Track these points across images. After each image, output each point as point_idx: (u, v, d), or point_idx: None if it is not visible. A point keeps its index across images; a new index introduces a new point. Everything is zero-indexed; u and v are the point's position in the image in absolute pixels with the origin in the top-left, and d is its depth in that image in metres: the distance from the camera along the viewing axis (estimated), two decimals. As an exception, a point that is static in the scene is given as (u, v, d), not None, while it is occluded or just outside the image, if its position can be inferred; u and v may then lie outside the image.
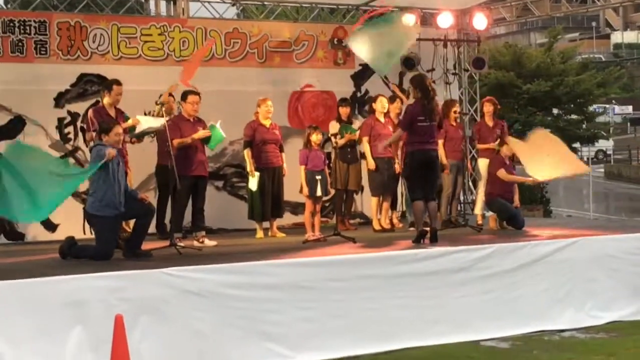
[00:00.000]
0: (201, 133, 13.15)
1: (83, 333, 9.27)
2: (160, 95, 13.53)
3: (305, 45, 17.23)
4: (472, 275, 11.56)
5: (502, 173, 14.64)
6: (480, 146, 15.45)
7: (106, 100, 13.15)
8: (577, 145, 39.19)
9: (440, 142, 14.44)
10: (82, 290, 9.43)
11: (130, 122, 12.80)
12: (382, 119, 14.90)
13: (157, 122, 12.98)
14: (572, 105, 34.99)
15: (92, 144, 12.58)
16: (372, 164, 14.69)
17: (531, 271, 11.95)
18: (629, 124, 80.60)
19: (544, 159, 14.01)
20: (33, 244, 14.43)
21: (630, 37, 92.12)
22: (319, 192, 13.64)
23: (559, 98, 33.28)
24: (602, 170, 59.34)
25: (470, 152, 17.31)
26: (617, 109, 76.42)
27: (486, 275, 11.65)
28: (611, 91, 39.61)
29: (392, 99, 15.31)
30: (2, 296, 9.12)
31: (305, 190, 13.60)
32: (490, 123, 15.46)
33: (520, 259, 11.94)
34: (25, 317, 9.12)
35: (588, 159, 44.60)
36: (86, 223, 12.88)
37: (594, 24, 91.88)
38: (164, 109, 13.08)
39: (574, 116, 35.96)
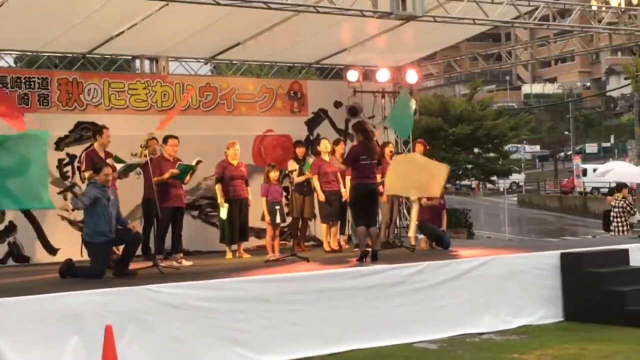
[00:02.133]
0: (173, 171, 13.15)
1: (79, 341, 9.21)
2: (147, 141, 13.50)
3: (266, 97, 17.25)
4: (406, 288, 11.58)
5: (425, 202, 14.73)
6: None
7: (97, 144, 13.10)
8: (494, 178, 39.53)
9: (379, 176, 14.52)
10: (78, 304, 9.38)
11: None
12: (326, 158, 14.93)
13: (138, 160, 13.12)
14: (490, 145, 35.24)
15: (87, 181, 12.54)
16: (322, 197, 14.72)
17: (455, 284, 12.00)
18: (537, 160, 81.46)
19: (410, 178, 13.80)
20: (37, 266, 14.28)
21: (537, 88, 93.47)
22: (278, 220, 13.67)
23: (479, 139, 33.53)
24: (516, 199, 59.88)
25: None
26: (528, 148, 77.32)
27: (418, 288, 11.68)
28: (522, 133, 40.01)
29: (336, 142, 15.41)
30: (10, 310, 9.05)
31: (267, 218, 13.63)
32: None
33: (447, 274, 11.98)
34: (29, 328, 9.05)
35: (504, 189, 45.02)
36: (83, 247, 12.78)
37: (507, 77, 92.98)
38: (147, 150, 13.07)
39: (491, 154, 36.22)
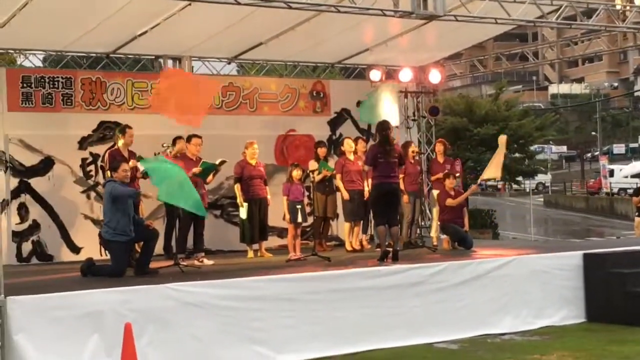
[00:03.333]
0: (195, 170, 13.17)
1: (99, 339, 9.26)
2: (173, 140, 13.55)
3: (289, 96, 17.28)
4: (427, 288, 11.54)
5: (449, 201, 14.71)
6: (432, 178, 15.60)
7: (121, 142, 13.13)
8: (520, 178, 39.33)
9: (401, 176, 14.55)
10: (98, 303, 9.41)
11: (131, 163, 12.63)
12: (351, 157, 14.98)
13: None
14: (515, 146, 35.00)
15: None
16: (346, 195, 14.74)
17: (477, 284, 11.94)
18: (564, 160, 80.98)
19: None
20: (59, 264, 14.36)
21: (564, 88, 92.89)
22: (299, 219, 13.66)
23: (505, 139, 33.33)
24: (542, 199, 59.61)
25: (428, 184, 17.35)
26: (554, 148, 76.86)
27: (439, 288, 11.63)
28: (548, 133, 39.74)
29: (355, 140, 15.44)
30: (32, 308, 9.09)
31: (288, 217, 13.64)
32: (441, 160, 15.65)
33: (468, 274, 11.92)
34: (50, 326, 9.10)
35: (530, 190, 44.80)
36: (102, 247, 12.85)
37: (534, 77, 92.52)
38: (169, 150, 13.06)
39: (517, 154, 36.03)
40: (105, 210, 11.56)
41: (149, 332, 9.50)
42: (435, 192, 15.33)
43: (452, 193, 14.80)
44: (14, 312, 8.90)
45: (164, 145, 13.01)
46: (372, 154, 12.89)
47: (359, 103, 17.03)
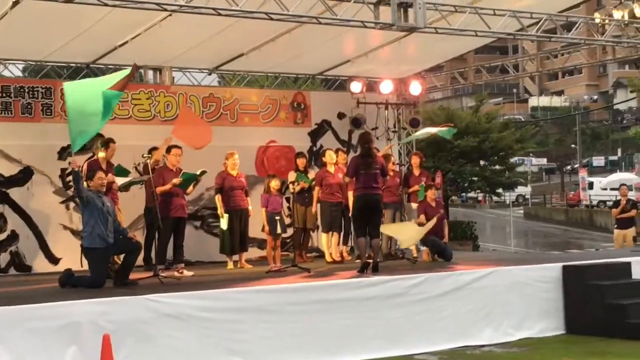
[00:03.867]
0: (175, 181, 13.14)
1: (77, 351, 9.20)
2: (150, 150, 13.50)
3: (269, 107, 17.29)
4: (407, 299, 11.53)
5: (422, 218, 14.54)
6: (409, 190, 15.62)
7: (101, 154, 13.08)
8: (500, 190, 39.49)
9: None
10: (77, 314, 9.35)
11: (109, 177, 12.55)
12: (331, 169, 14.97)
13: (140, 177, 13.36)
14: (495, 158, 35.22)
15: None
16: (313, 209, 14.83)
17: (456, 296, 11.94)
18: (544, 173, 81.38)
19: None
20: (38, 275, 14.29)
21: (544, 101, 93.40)
22: (278, 230, 13.66)
23: (485, 151, 33.51)
24: (522, 211, 59.81)
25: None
26: (534, 160, 77.19)
27: (419, 300, 11.63)
28: (528, 146, 39.92)
29: (336, 151, 15.44)
30: (11, 319, 9.04)
31: (267, 228, 13.64)
32: (417, 172, 15.64)
33: (447, 286, 11.92)
34: (28, 337, 9.04)
35: (510, 201, 44.97)
36: (83, 257, 12.76)
37: (514, 90, 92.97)
38: (150, 160, 13.01)
39: (497, 167, 36.20)
40: (83, 219, 11.49)
41: (128, 344, 9.44)
42: (413, 205, 15.34)
43: (433, 204, 14.81)
44: (-9, 323, 8.84)
45: (144, 155, 12.95)
46: (354, 166, 12.91)
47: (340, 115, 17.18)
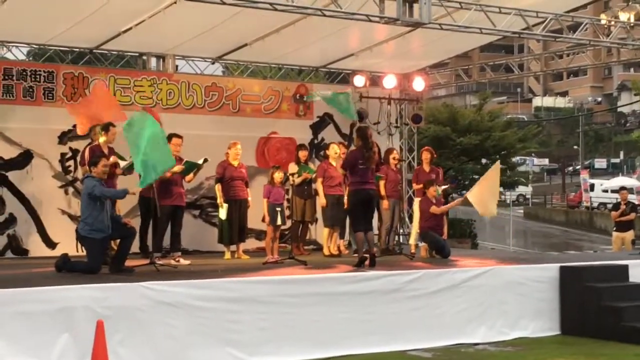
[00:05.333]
0: (176, 168, 13.12)
1: (70, 336, 9.23)
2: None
3: (272, 99, 17.27)
4: (403, 295, 11.54)
5: (434, 209, 14.66)
6: (415, 187, 15.60)
7: (102, 139, 13.06)
8: (501, 189, 39.41)
9: (382, 183, 14.60)
10: (72, 299, 9.38)
11: (111, 159, 12.58)
12: (334, 163, 14.94)
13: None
14: (497, 156, 35.13)
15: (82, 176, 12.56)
16: (323, 202, 14.71)
17: (452, 293, 11.95)
18: (545, 173, 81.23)
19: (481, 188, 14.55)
20: (35, 259, 14.28)
21: (548, 101, 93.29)
22: (279, 222, 13.68)
23: (487, 150, 33.44)
24: (522, 211, 59.74)
25: (408, 192, 17.37)
26: (536, 160, 77.11)
27: (415, 296, 11.63)
28: (530, 145, 39.89)
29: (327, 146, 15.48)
30: (5, 301, 9.06)
31: (267, 219, 13.64)
32: (427, 168, 15.56)
33: (444, 283, 11.93)
34: (22, 320, 9.07)
35: (510, 201, 44.95)
36: (78, 243, 12.78)
37: (518, 89, 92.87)
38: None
39: (499, 165, 36.10)
40: (83, 207, 11.48)
41: (122, 331, 9.46)
42: (416, 200, 15.32)
43: (434, 201, 14.81)
44: (-15, 305, 8.85)
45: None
46: (352, 159, 12.89)
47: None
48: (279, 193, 13.78)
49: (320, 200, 14.75)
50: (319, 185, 14.82)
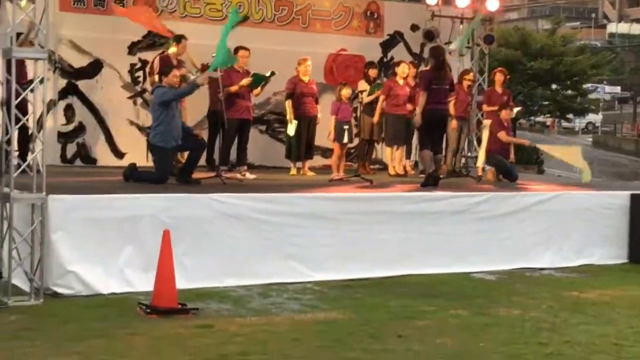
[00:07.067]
0: (244, 81, 13.02)
1: (136, 243, 9.31)
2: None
3: (342, 15, 17.00)
4: (469, 217, 11.43)
5: (502, 135, 14.42)
6: (486, 108, 15.34)
7: (173, 50, 13.03)
8: (570, 116, 38.83)
9: (452, 102, 14.36)
10: (139, 207, 9.45)
11: (182, 71, 12.49)
12: (400, 82, 14.71)
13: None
14: (568, 82, 34.58)
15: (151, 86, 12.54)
16: (376, 119, 14.61)
17: (518, 217, 11.81)
18: (616, 102, 79.55)
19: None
20: (102, 168, 14.39)
21: (623, 28, 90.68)
22: (345, 139, 13.59)
23: (558, 75, 32.91)
24: (591, 139, 58.76)
25: (477, 114, 17.09)
26: (608, 88, 75.47)
27: (480, 218, 11.51)
28: (603, 72, 39.13)
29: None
30: (74, 207, 9.16)
31: (333, 136, 13.54)
32: (500, 90, 15.34)
33: (510, 207, 11.78)
34: (90, 227, 9.15)
35: (579, 129, 44.23)
36: (149, 153, 12.80)
37: (593, 15, 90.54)
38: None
39: (569, 92, 35.52)
40: (154, 116, 11.44)
41: (187, 241, 9.50)
42: (487, 122, 15.07)
43: (507, 125, 14.54)
44: (54, 210, 8.94)
45: (213, 55, 12.85)
46: (427, 79, 12.64)
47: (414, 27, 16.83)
48: (346, 110, 13.64)
49: (375, 117, 14.60)
50: (379, 103, 14.63)
